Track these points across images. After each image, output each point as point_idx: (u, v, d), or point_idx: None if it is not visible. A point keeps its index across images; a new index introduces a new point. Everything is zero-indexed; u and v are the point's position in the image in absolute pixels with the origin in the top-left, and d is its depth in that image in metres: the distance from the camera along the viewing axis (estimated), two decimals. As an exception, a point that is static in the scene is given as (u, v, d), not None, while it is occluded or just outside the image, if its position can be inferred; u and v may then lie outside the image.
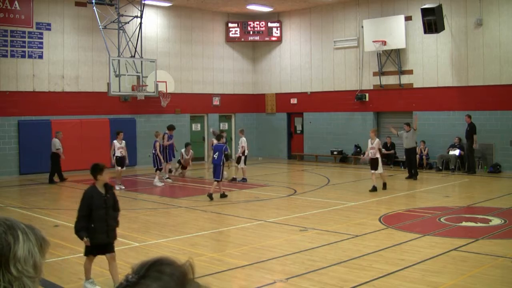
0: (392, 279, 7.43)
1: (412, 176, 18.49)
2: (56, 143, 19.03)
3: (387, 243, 9.53)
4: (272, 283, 7.42)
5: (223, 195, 14.88)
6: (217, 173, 14.66)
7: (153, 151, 18.13)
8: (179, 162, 20.68)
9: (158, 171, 17.97)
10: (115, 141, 17.24)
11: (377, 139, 16.19)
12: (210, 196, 14.55)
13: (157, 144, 18.11)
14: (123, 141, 17.37)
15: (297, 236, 10.30)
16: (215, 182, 14.70)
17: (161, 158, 18.16)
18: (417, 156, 20.25)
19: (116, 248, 9.38)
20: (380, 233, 10.44)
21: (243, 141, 18.71)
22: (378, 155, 15.93)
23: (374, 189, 15.63)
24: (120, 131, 17.57)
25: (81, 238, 6.87)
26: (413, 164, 18.76)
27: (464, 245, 9.21)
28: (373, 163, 15.97)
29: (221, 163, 14.64)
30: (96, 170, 7.00)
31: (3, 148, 19.99)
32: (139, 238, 10.18)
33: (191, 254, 8.81)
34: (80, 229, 6.82)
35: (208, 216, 12.55)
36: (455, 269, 7.92)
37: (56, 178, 18.90)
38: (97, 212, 6.83)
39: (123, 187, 16.99)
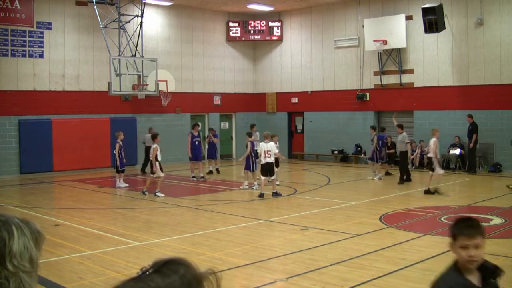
0: (392, 278, 7.43)
1: (405, 180, 17.42)
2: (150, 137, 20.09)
3: (388, 242, 9.53)
4: (273, 282, 7.42)
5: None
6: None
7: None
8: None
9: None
10: (156, 145, 15.27)
11: (271, 143, 15.15)
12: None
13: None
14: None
15: (298, 235, 10.30)
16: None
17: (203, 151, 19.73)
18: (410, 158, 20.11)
19: (117, 248, 9.44)
20: (380, 232, 10.44)
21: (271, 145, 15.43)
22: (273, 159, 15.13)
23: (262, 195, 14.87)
24: (157, 133, 16.02)
25: None
26: (405, 168, 17.72)
27: (464, 245, 9.19)
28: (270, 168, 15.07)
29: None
30: (469, 232, 3.12)
31: (4, 147, 20.00)
32: (140, 237, 10.18)
33: (191, 254, 8.81)
34: None
35: (208, 215, 12.56)
36: (455, 269, 7.91)
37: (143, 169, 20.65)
38: None
39: (163, 195, 15.32)
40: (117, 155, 17.08)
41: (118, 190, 16.99)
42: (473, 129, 19.51)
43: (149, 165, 15.65)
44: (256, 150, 16.17)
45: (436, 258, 8.41)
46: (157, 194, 15.29)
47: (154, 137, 15.58)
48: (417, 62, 22.30)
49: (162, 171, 15.42)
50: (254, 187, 16.36)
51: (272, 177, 15.09)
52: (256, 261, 8.42)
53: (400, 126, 17.77)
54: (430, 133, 15.62)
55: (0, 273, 1.44)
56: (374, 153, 18.57)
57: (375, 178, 18.28)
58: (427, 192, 14.91)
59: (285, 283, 7.35)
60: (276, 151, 16.00)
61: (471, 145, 19.47)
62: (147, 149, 20.13)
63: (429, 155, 15.19)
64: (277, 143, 16.77)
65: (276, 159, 16.72)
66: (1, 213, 1.53)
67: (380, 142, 18.54)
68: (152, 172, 15.47)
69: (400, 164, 17.89)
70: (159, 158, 15.33)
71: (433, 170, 15.00)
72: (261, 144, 15.15)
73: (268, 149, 14.96)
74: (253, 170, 16.38)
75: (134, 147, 22.69)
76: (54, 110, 21.12)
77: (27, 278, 1.48)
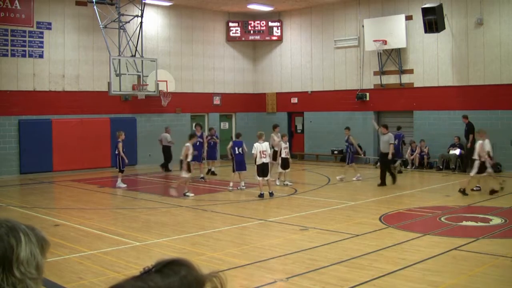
0: (392, 278, 7.43)
1: (380, 184, 16.77)
2: (168, 137, 20.84)
3: (388, 242, 9.53)
4: (273, 282, 7.42)
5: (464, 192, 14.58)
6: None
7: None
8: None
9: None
10: (189, 144, 15.14)
11: (266, 142, 15.20)
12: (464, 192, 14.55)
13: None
14: None
15: (298, 235, 10.30)
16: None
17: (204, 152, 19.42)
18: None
19: (117, 248, 9.44)
20: (380, 232, 10.44)
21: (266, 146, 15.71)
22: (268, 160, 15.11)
23: (261, 195, 14.75)
24: (194, 133, 15.90)
25: None
26: (386, 170, 16.93)
27: (464, 245, 9.21)
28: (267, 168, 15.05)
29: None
30: None
31: (4, 147, 20.00)
32: (139, 238, 10.18)
33: (191, 254, 8.82)
34: None
35: (208, 215, 12.56)
36: (455, 268, 7.92)
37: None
38: None
39: (192, 194, 15.23)
40: (122, 154, 17.11)
41: (118, 190, 17.00)
42: (469, 129, 19.53)
43: (179, 164, 15.55)
44: (235, 150, 16.04)
45: (436, 258, 8.42)
46: (187, 194, 15.04)
47: (191, 136, 15.69)
48: (417, 62, 22.30)
49: (190, 171, 15.27)
50: (230, 187, 16.21)
51: (267, 177, 15.06)
52: (256, 261, 8.42)
53: (385, 127, 17.50)
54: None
55: (7, 279, 1.44)
56: (347, 154, 18.74)
57: (350, 178, 18.23)
58: (492, 192, 14.65)
59: (285, 283, 7.35)
60: (284, 151, 16.76)
61: (469, 145, 19.46)
62: (165, 148, 20.57)
63: (474, 157, 14.88)
64: (287, 143, 17.32)
65: (287, 159, 16.84)
66: (8, 219, 1.53)
67: (397, 140, 18.98)
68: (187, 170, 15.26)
69: (382, 164, 17.14)
70: (189, 158, 15.16)
71: (480, 171, 14.70)
72: (256, 144, 14.96)
73: (263, 149, 14.91)
74: (234, 171, 16.36)
75: (134, 147, 22.69)
76: (54, 110, 21.12)
77: (33, 285, 1.48)
